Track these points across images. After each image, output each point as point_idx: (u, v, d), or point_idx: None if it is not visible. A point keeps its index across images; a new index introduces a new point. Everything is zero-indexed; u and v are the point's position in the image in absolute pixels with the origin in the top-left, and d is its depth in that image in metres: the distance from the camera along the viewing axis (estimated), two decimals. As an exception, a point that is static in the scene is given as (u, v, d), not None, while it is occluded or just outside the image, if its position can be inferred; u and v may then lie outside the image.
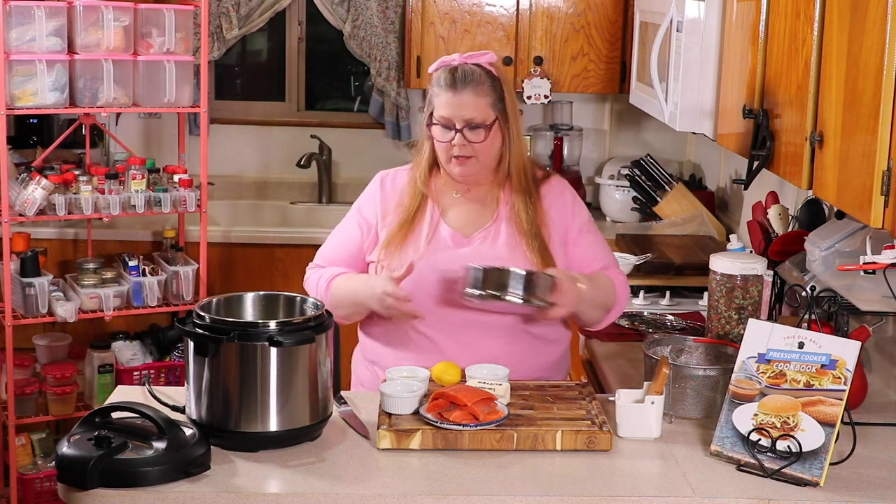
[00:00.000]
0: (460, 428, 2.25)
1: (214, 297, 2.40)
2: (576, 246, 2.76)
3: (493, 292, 2.51)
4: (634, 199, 4.50)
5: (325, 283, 2.72)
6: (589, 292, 2.64)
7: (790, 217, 3.14)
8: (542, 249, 2.69)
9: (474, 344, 2.65)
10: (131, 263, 4.06)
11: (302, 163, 4.93)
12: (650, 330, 3.20)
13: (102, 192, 3.93)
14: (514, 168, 2.73)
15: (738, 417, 2.24)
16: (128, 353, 4.19)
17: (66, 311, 3.87)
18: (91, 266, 4.08)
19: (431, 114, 2.70)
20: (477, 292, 2.52)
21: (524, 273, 2.52)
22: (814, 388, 2.20)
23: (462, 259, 2.63)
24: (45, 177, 3.82)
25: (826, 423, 2.16)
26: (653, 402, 2.32)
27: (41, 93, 3.78)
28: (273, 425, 2.23)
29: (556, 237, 2.73)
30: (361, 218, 2.79)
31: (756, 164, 2.54)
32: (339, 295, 2.66)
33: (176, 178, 4.07)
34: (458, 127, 2.65)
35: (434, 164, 2.77)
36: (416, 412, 2.33)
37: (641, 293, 3.55)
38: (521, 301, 2.52)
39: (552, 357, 2.76)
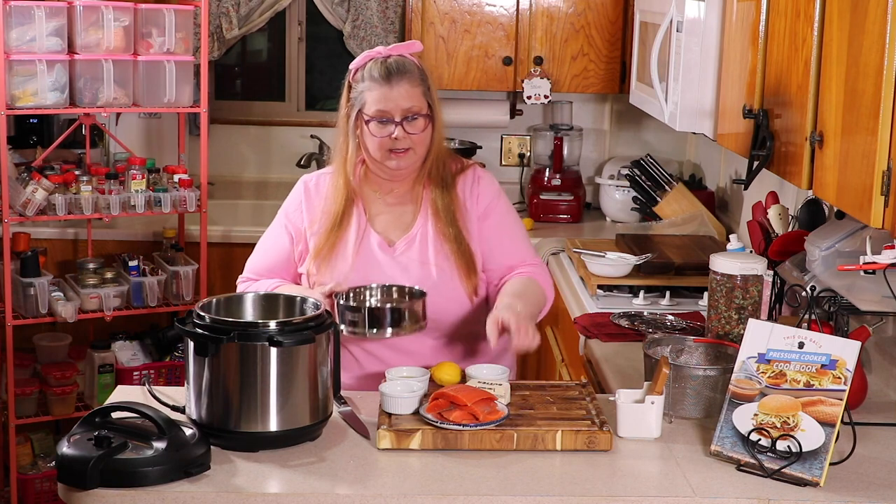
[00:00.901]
0: (460, 428, 2.25)
1: (214, 297, 2.41)
2: (490, 237, 2.74)
3: (364, 331, 2.55)
4: (634, 199, 4.50)
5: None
6: (528, 313, 2.60)
7: (790, 217, 3.14)
8: (457, 237, 2.68)
9: (412, 350, 2.67)
10: (131, 263, 4.06)
11: (302, 163, 4.93)
12: (650, 330, 3.20)
13: (102, 192, 3.93)
14: (435, 158, 2.71)
15: (738, 417, 2.24)
16: (128, 353, 4.19)
17: (66, 311, 3.87)
18: (91, 266, 4.09)
19: (360, 111, 2.65)
20: (347, 331, 2.55)
21: (390, 308, 2.56)
22: (814, 388, 2.20)
23: (390, 269, 2.66)
24: (46, 177, 3.83)
25: (826, 423, 2.16)
26: (653, 402, 2.32)
27: (41, 93, 3.78)
28: (273, 425, 2.23)
29: (472, 227, 2.72)
30: (290, 225, 2.75)
31: (756, 164, 2.54)
32: None
33: (176, 178, 4.07)
34: (397, 119, 2.62)
35: (358, 164, 2.73)
36: (416, 412, 2.33)
37: (641, 293, 3.55)
38: (390, 336, 2.56)
39: (493, 353, 2.73)
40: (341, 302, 2.57)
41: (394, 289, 2.66)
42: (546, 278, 2.80)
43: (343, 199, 2.70)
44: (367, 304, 2.61)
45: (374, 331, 2.55)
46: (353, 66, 2.71)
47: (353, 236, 2.69)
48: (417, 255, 2.69)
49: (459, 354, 2.72)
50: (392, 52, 2.67)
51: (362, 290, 2.65)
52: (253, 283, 2.76)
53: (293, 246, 2.75)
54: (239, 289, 2.77)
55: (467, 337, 2.74)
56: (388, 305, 2.59)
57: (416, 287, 2.63)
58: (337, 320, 2.53)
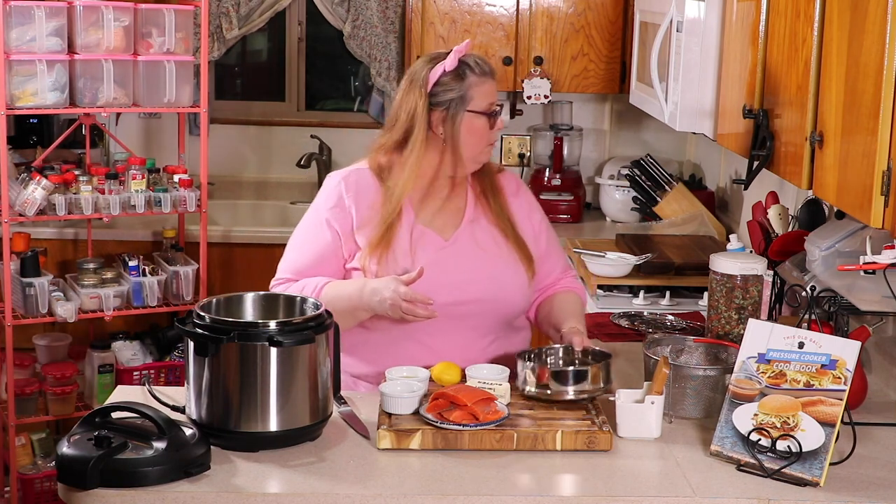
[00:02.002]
0: (460, 428, 2.25)
1: (214, 297, 2.40)
2: (541, 241, 2.78)
3: (548, 393, 2.42)
4: (634, 199, 4.50)
5: (312, 293, 2.57)
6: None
7: (790, 217, 3.14)
8: (516, 238, 2.71)
9: (465, 343, 2.65)
10: (131, 263, 4.06)
11: (302, 163, 4.93)
12: (650, 330, 3.20)
13: (102, 192, 3.93)
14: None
15: (738, 417, 2.24)
16: (128, 353, 4.19)
17: (66, 311, 3.87)
18: (91, 266, 4.08)
19: (464, 109, 2.61)
20: (531, 390, 2.43)
21: (574, 371, 2.43)
22: (814, 388, 2.20)
23: (449, 261, 2.63)
24: (46, 177, 3.83)
25: (826, 423, 2.16)
26: (653, 402, 2.32)
27: (41, 93, 3.78)
28: (273, 425, 2.23)
29: (525, 228, 2.75)
30: (334, 222, 2.66)
31: (756, 164, 2.54)
32: (332, 304, 2.48)
33: (176, 178, 4.07)
34: (497, 112, 2.66)
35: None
36: (416, 412, 2.33)
37: (641, 293, 3.55)
38: (574, 398, 2.42)
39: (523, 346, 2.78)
40: (525, 363, 2.46)
41: (575, 350, 2.55)
42: (583, 292, 2.89)
43: (397, 200, 2.64)
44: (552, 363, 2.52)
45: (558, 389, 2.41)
46: (446, 66, 2.61)
47: (406, 233, 2.64)
48: (475, 246, 2.67)
49: (501, 348, 2.70)
50: (469, 50, 2.67)
51: (544, 350, 2.56)
52: (293, 283, 2.65)
53: (339, 243, 2.66)
54: (278, 290, 2.64)
55: (517, 329, 2.76)
56: (576, 367, 2.47)
57: (598, 349, 2.54)
58: (518, 380, 2.46)
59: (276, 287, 2.67)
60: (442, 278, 2.58)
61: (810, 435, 2.16)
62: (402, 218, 2.65)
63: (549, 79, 4.60)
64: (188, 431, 2.16)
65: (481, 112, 2.63)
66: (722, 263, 2.64)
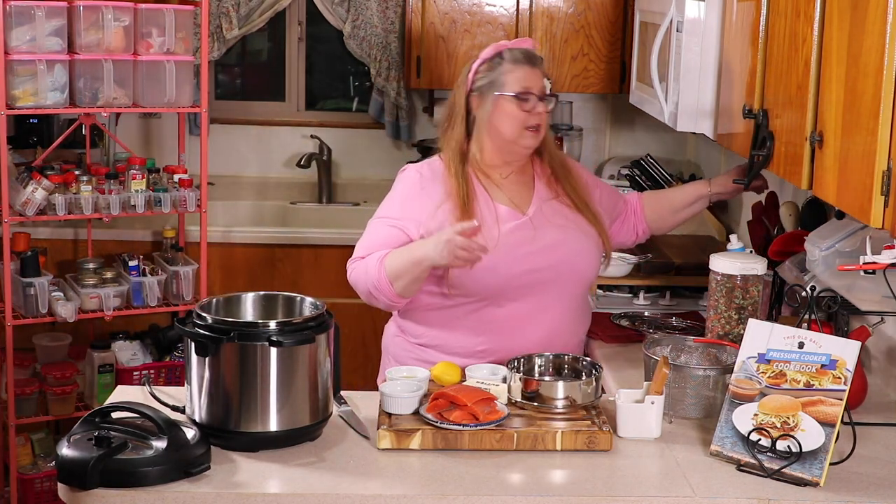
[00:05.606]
0: (460, 428, 2.25)
1: (214, 297, 2.41)
2: (614, 202, 3.05)
3: (535, 404, 2.39)
4: (634, 199, 4.49)
5: (376, 261, 2.69)
6: None
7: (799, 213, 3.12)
8: (590, 214, 2.86)
9: (544, 309, 2.78)
10: (131, 263, 4.06)
11: (302, 163, 4.93)
12: (650, 330, 3.20)
13: (102, 192, 3.93)
14: (547, 144, 2.89)
15: (738, 417, 2.24)
16: (128, 353, 4.18)
17: (66, 311, 3.87)
18: (91, 266, 4.08)
19: (496, 94, 2.77)
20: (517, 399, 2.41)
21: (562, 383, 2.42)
22: (814, 388, 2.20)
23: (527, 232, 2.76)
24: (46, 177, 3.82)
25: (826, 423, 2.16)
26: (653, 402, 2.32)
27: (41, 93, 3.78)
28: (273, 425, 2.23)
29: (596, 202, 2.93)
30: (411, 212, 2.79)
31: (756, 163, 2.54)
32: (395, 264, 2.66)
33: (176, 178, 4.07)
34: (537, 95, 2.80)
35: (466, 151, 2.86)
36: (416, 412, 2.33)
37: (641, 293, 3.54)
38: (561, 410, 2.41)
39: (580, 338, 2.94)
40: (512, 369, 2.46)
41: (565, 358, 2.59)
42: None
43: (465, 181, 2.80)
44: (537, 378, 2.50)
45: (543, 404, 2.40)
46: (487, 54, 2.84)
47: (486, 209, 2.79)
48: (548, 220, 2.82)
49: (576, 322, 2.89)
50: (520, 44, 2.86)
51: (531, 358, 2.57)
52: (362, 260, 2.77)
53: (413, 228, 2.76)
54: (351, 268, 2.78)
55: (583, 305, 2.94)
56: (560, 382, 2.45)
57: (588, 359, 2.58)
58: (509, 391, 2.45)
59: (351, 265, 2.81)
60: (522, 248, 2.75)
61: (810, 435, 2.16)
62: (478, 196, 2.80)
63: (549, 79, 4.59)
64: (188, 431, 2.16)
65: (513, 94, 2.77)
66: (722, 263, 2.64)
